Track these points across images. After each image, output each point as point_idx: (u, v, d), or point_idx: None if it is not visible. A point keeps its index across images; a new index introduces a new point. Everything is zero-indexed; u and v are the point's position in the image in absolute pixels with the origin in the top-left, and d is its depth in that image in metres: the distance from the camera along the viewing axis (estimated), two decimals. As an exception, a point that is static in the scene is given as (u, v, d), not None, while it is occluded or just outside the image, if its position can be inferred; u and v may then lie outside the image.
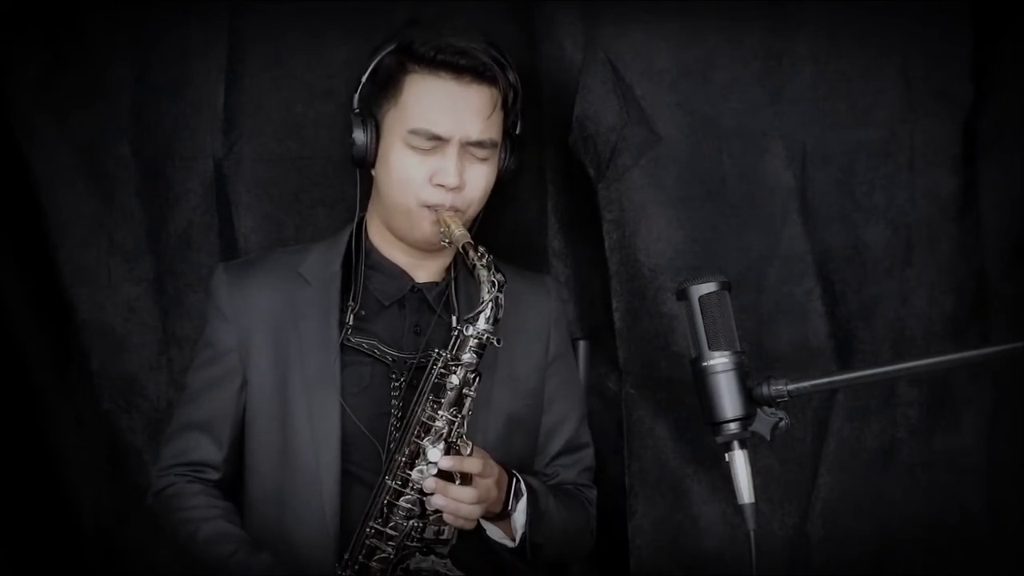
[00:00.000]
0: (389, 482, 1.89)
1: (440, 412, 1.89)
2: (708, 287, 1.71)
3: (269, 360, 2.03)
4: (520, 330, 2.08)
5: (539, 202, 2.33)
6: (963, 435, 2.26)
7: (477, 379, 1.90)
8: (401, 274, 2.07)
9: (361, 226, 2.11)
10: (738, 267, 2.22)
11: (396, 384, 2.01)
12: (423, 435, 1.89)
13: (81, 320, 2.32)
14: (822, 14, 2.19)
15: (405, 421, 1.92)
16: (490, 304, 1.88)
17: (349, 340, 2.02)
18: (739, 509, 1.67)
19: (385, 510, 1.89)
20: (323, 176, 2.33)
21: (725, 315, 1.70)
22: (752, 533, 1.67)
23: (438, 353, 1.92)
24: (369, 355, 2.02)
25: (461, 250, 1.93)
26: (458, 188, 1.97)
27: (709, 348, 1.69)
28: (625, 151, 2.23)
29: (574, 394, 2.19)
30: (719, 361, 1.69)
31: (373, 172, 2.03)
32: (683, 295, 1.72)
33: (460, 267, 2.08)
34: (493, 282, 1.89)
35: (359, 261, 2.07)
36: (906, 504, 2.27)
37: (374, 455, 1.98)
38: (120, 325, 2.33)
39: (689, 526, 2.32)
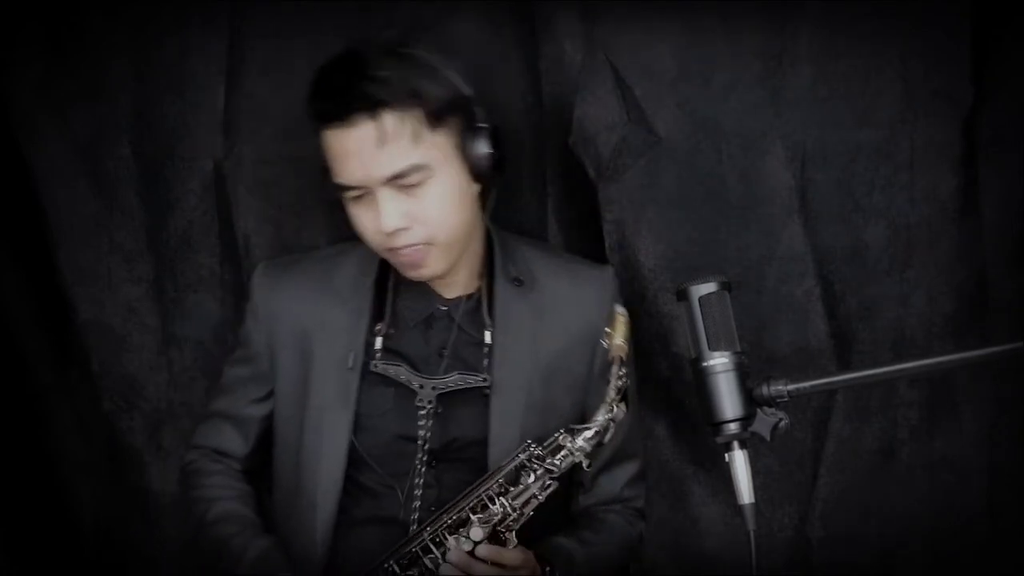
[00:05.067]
0: (426, 536, 1.85)
1: (503, 500, 1.84)
2: (708, 287, 1.70)
3: (294, 373, 1.99)
4: (562, 338, 2.01)
5: (539, 202, 2.32)
6: (963, 436, 2.26)
7: (552, 487, 1.84)
8: (429, 291, 2.00)
9: None
10: (738, 267, 2.22)
11: (423, 412, 1.95)
12: (478, 509, 1.84)
13: (81, 320, 2.32)
14: (822, 14, 2.19)
15: (471, 488, 1.86)
16: (598, 428, 1.83)
17: (375, 367, 1.95)
18: (739, 509, 1.67)
19: (407, 558, 1.86)
20: (323, 177, 2.33)
21: (725, 315, 1.70)
22: (752, 533, 1.66)
23: (530, 444, 1.85)
24: (395, 380, 1.96)
25: (611, 358, 1.82)
26: (405, 228, 1.85)
27: (709, 348, 1.69)
28: (625, 151, 2.23)
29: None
30: (719, 361, 1.68)
31: None
32: (683, 295, 1.72)
33: (496, 276, 2.01)
34: (611, 409, 1.82)
35: (388, 278, 1.99)
36: (906, 505, 2.27)
37: (386, 480, 1.96)
38: (120, 325, 2.33)
39: (689, 526, 2.32)
